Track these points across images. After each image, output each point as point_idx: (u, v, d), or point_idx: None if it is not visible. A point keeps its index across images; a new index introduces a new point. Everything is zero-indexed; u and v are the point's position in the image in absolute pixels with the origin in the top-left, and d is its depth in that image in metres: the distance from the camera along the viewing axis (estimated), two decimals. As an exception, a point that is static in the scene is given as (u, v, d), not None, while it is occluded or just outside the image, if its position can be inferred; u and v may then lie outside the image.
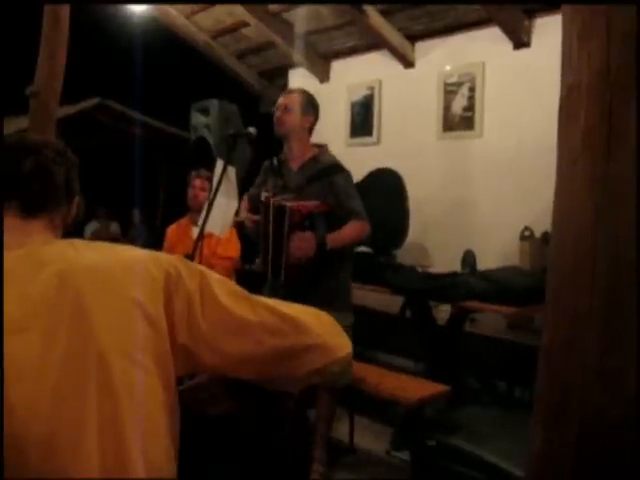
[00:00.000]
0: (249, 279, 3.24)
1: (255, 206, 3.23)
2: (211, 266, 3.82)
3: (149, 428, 1.11)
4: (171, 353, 1.16)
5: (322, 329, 1.31)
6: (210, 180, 3.96)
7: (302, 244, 3.00)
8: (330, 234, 3.09)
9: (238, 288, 1.28)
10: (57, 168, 1.24)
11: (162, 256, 1.24)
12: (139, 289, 1.14)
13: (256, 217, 3.23)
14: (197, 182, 4.11)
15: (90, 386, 1.05)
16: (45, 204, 1.22)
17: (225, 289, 1.24)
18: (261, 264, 3.21)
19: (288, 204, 2.99)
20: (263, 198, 3.14)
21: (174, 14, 6.28)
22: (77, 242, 1.20)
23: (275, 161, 3.38)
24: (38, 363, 1.03)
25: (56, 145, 1.29)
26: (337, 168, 3.31)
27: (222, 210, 2.95)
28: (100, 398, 1.06)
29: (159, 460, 1.12)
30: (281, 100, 3.33)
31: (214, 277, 1.25)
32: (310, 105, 3.34)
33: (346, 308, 3.25)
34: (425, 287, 3.97)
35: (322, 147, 3.40)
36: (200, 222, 2.75)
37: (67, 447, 1.02)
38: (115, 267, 1.16)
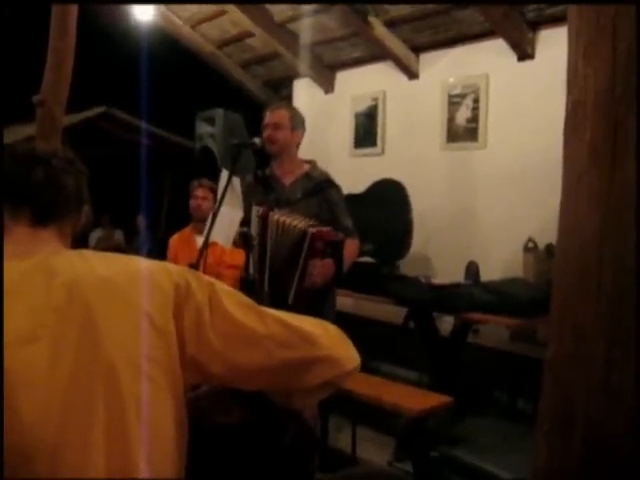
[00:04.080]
0: (250, 287, 3.24)
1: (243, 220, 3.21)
2: (219, 275, 3.82)
3: (156, 439, 1.11)
4: (180, 364, 1.16)
5: (330, 341, 1.30)
6: (212, 189, 3.97)
7: (324, 271, 3.00)
8: None
9: (247, 300, 1.27)
10: (67, 177, 1.25)
11: (172, 267, 1.24)
12: (148, 300, 1.15)
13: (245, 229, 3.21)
14: (199, 192, 4.12)
15: (98, 397, 1.06)
16: (55, 214, 1.23)
17: (234, 301, 1.24)
18: (257, 274, 3.18)
19: (311, 229, 2.96)
20: (260, 212, 3.12)
21: (180, 24, 6.32)
22: (86, 252, 1.20)
23: (260, 175, 3.37)
24: (47, 373, 1.03)
25: (65, 154, 1.29)
26: (330, 183, 3.33)
27: (227, 220, 2.95)
28: (108, 408, 1.06)
29: (165, 471, 1.12)
30: (269, 118, 3.30)
31: (223, 289, 1.25)
32: (298, 120, 3.34)
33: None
34: (428, 298, 3.97)
35: (311, 162, 3.41)
36: (205, 232, 2.75)
37: (74, 457, 1.03)
38: (124, 278, 1.16)
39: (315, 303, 3.01)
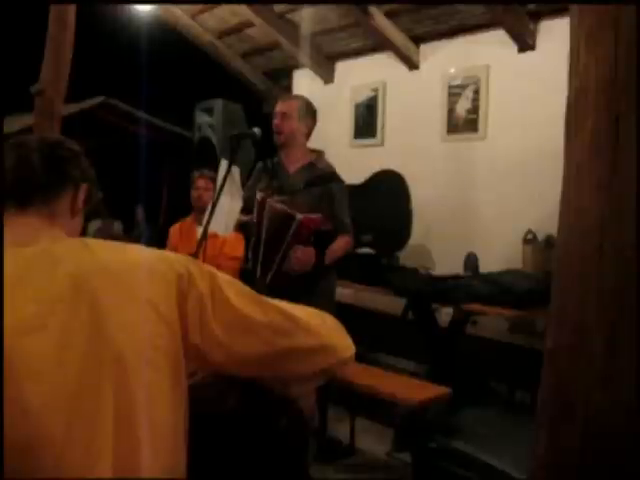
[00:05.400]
0: (249, 277, 3.25)
1: (249, 207, 3.23)
2: (218, 266, 3.81)
3: (162, 428, 1.12)
4: (183, 352, 1.17)
5: (327, 331, 1.33)
6: (214, 180, 3.96)
7: (303, 258, 3.02)
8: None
9: (247, 289, 1.29)
10: (39, 158, 1.24)
11: (173, 256, 1.25)
12: (153, 289, 1.15)
13: (247, 217, 3.25)
14: (201, 182, 4.11)
15: (106, 386, 1.06)
16: (31, 195, 1.22)
17: (235, 290, 1.25)
18: (251, 261, 3.22)
19: (299, 215, 2.98)
20: (259, 198, 3.15)
21: (179, 14, 6.29)
22: (90, 241, 1.20)
23: (269, 163, 3.38)
24: (54, 362, 1.03)
25: (49, 139, 1.31)
26: (334, 176, 3.33)
27: (226, 210, 2.96)
28: (116, 398, 1.06)
29: (170, 460, 1.13)
30: (279, 107, 3.31)
31: (224, 278, 1.26)
32: (308, 111, 3.33)
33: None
34: (427, 289, 3.97)
35: (319, 153, 3.40)
36: (204, 222, 2.75)
37: (81, 446, 1.02)
38: (129, 267, 1.17)
39: (294, 288, 3.00)
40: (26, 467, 0.99)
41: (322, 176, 3.27)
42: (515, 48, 4.65)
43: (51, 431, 1.00)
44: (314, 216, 3.05)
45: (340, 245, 3.23)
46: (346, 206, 3.31)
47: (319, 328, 1.31)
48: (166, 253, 1.26)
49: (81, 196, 1.30)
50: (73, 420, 1.02)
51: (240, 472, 1.34)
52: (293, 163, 3.32)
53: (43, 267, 1.11)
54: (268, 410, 1.38)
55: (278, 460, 1.38)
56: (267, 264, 3.10)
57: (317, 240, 3.04)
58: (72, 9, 3.42)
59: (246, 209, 3.22)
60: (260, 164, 3.47)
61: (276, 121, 3.28)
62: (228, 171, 2.78)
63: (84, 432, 1.03)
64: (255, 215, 3.17)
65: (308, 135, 3.37)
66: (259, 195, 3.17)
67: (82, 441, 1.03)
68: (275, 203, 3.08)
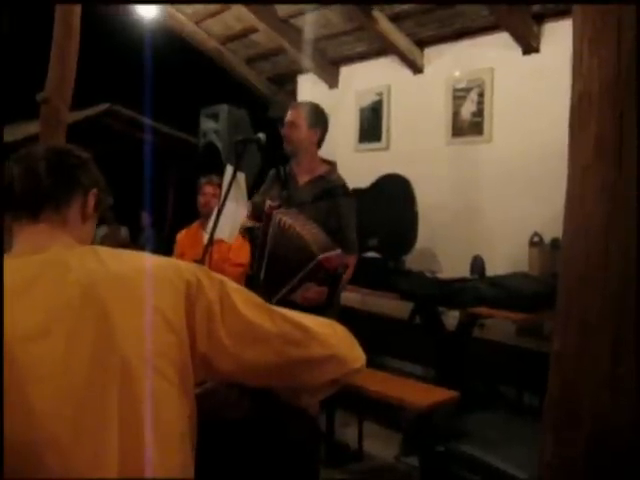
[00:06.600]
0: (256, 283, 3.23)
1: (258, 213, 3.20)
2: (223, 272, 3.81)
3: (169, 434, 1.12)
4: (191, 360, 1.17)
5: (337, 341, 1.32)
6: (221, 186, 3.96)
7: (313, 298, 2.88)
8: None
9: (256, 298, 1.28)
10: (45, 167, 1.25)
11: (182, 264, 1.25)
12: (161, 297, 1.15)
13: (252, 223, 3.20)
14: (208, 189, 4.11)
15: (112, 392, 1.06)
16: (41, 204, 1.23)
17: (244, 298, 1.25)
18: (255, 269, 3.16)
19: (320, 256, 2.82)
20: (266, 208, 3.10)
21: (184, 20, 6.31)
22: (99, 249, 1.21)
23: (282, 171, 3.36)
24: (60, 367, 1.04)
25: (56, 147, 1.33)
26: (344, 191, 3.27)
27: (231, 216, 2.94)
28: (122, 404, 1.06)
29: (176, 466, 1.13)
30: (288, 116, 3.28)
31: (233, 286, 1.26)
32: (317, 118, 3.30)
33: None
34: (434, 293, 3.97)
35: (332, 165, 3.37)
36: (209, 228, 2.76)
37: (87, 452, 1.03)
38: (138, 276, 1.17)
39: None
40: (33, 470, 1.00)
41: (330, 190, 3.22)
42: (519, 50, 4.64)
43: (56, 435, 1.01)
44: (333, 255, 2.89)
45: (348, 275, 3.14)
46: (353, 222, 3.25)
47: (330, 338, 1.30)
48: (175, 261, 1.27)
49: (91, 202, 1.31)
50: (79, 425, 1.03)
51: (252, 478, 1.34)
52: (303, 174, 3.29)
53: (53, 274, 1.12)
54: (280, 417, 1.38)
55: (290, 466, 1.38)
56: (272, 286, 2.97)
57: (331, 281, 2.91)
58: (77, 15, 3.43)
59: (255, 214, 3.19)
60: (273, 171, 3.43)
61: (284, 131, 3.27)
62: (233, 177, 2.77)
63: (90, 437, 1.04)
64: (262, 225, 3.10)
65: (319, 143, 3.33)
66: (268, 204, 3.11)
67: (88, 445, 1.03)
68: (284, 217, 2.98)
